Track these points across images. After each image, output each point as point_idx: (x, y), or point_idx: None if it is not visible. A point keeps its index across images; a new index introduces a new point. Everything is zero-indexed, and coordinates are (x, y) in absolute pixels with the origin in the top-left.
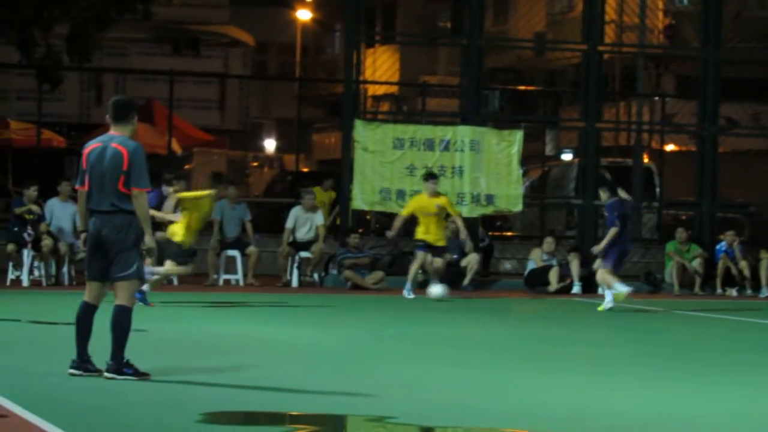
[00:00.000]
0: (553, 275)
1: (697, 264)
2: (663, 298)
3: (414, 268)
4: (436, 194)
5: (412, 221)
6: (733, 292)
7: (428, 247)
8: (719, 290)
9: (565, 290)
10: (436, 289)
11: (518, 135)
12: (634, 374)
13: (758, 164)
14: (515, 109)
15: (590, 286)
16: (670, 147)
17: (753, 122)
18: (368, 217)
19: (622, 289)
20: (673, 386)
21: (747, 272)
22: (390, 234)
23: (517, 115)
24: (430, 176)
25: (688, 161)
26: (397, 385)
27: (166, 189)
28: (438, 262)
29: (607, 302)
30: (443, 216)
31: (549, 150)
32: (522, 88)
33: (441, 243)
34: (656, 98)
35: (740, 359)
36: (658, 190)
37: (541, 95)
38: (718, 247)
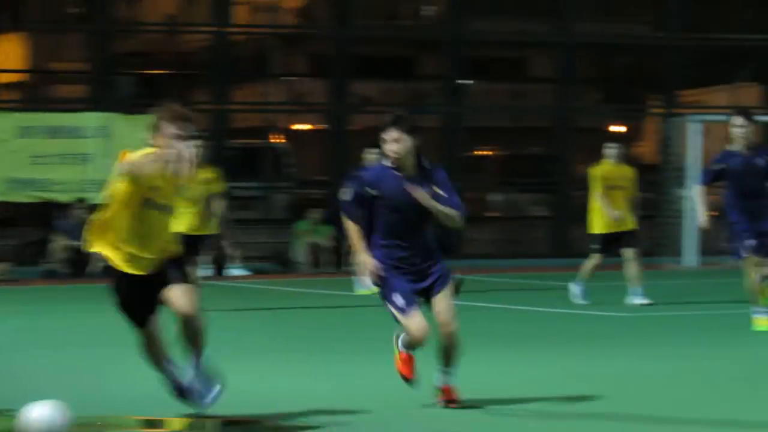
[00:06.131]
0: None
1: (329, 242)
2: (296, 277)
3: None
4: None
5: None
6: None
7: None
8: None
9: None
10: None
11: (149, 120)
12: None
13: None
14: (146, 93)
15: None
16: (304, 126)
17: (386, 99)
18: None
19: None
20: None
21: None
22: None
23: (147, 100)
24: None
25: (322, 140)
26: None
27: None
28: None
29: None
30: None
31: None
32: (152, 72)
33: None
34: (289, 78)
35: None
36: (292, 170)
37: (173, 78)
38: None
